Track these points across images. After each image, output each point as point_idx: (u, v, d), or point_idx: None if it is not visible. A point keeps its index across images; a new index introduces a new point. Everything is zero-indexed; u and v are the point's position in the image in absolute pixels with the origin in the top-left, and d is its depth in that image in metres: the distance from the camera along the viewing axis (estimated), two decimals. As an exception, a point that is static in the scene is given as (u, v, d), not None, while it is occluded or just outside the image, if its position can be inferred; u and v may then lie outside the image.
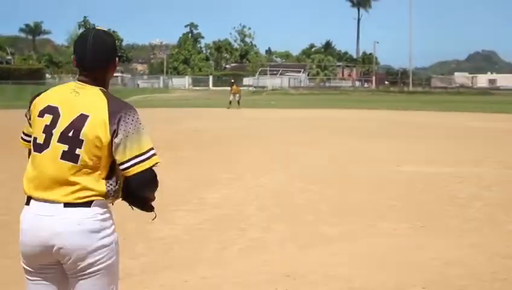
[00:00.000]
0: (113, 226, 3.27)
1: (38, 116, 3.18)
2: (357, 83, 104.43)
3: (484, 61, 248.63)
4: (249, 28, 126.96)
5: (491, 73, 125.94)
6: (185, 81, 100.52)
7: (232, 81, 48.54)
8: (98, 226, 3.15)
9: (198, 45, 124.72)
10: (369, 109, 42.36)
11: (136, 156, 3.11)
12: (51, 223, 3.09)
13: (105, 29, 3.38)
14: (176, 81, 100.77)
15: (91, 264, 3.12)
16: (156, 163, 3.19)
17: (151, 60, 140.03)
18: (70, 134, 3.09)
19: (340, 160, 15.38)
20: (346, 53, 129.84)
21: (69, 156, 3.08)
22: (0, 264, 6.83)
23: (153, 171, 3.20)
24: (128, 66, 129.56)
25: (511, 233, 8.10)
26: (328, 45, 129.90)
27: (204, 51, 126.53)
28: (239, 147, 18.34)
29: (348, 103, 51.93)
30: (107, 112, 3.10)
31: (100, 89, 3.23)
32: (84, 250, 3.10)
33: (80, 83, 3.23)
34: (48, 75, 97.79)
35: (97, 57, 3.21)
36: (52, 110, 3.15)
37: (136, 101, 59.94)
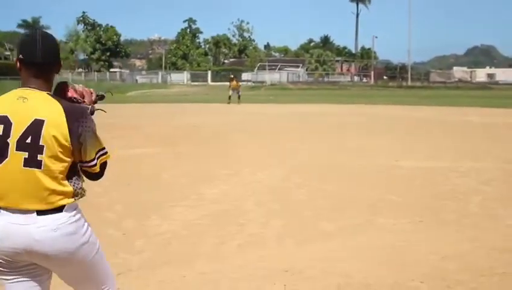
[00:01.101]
0: (85, 223, 3.35)
1: None
2: (356, 78, 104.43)
3: (483, 56, 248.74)
4: (247, 23, 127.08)
5: (490, 67, 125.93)
6: (184, 76, 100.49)
7: (232, 76, 47.80)
8: (73, 229, 3.22)
9: (197, 40, 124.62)
10: (368, 104, 42.33)
11: (96, 154, 3.27)
12: (27, 231, 3.10)
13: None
14: (175, 77, 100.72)
15: (77, 263, 3.27)
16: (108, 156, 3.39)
17: (150, 56, 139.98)
18: (29, 140, 3.06)
19: (339, 155, 15.38)
20: (345, 48, 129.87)
21: (32, 162, 3.07)
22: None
23: (106, 164, 3.40)
24: (126, 61, 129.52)
25: (510, 228, 8.10)
26: (326, 40, 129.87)
27: (202, 46, 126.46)
28: (237, 143, 18.34)
29: (347, 98, 51.92)
30: (63, 114, 3.11)
31: (48, 93, 3.23)
32: (66, 252, 3.19)
33: (25, 88, 3.24)
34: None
35: (48, 52, 3.24)
36: (2, 120, 3.10)
37: (134, 96, 59.92)
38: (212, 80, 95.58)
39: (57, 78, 3.48)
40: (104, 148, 3.34)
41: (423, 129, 23.14)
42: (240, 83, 46.06)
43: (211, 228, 8.05)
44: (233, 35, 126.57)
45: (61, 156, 3.12)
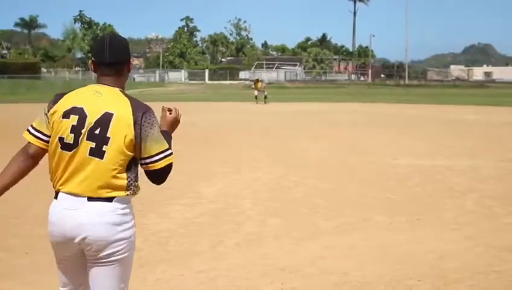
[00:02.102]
0: (133, 221, 3.49)
1: (63, 117, 3.35)
2: (353, 77, 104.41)
3: (480, 54, 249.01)
4: (245, 22, 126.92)
5: (487, 66, 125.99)
6: (181, 75, 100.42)
7: (256, 78, 47.13)
8: (118, 220, 3.37)
9: (194, 39, 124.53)
10: (365, 102, 42.35)
11: (158, 153, 3.38)
12: (75, 215, 3.32)
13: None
14: (172, 75, 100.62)
15: (110, 255, 3.36)
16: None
17: (147, 54, 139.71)
18: (97, 132, 3.30)
19: (336, 153, 15.39)
20: (342, 46, 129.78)
21: (96, 152, 3.29)
22: (-4, 258, 6.82)
23: (171, 167, 3.47)
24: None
25: (507, 226, 8.12)
26: (324, 38, 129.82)
27: (200, 45, 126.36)
28: (235, 141, 18.34)
29: (344, 96, 51.95)
30: (130, 110, 3.34)
31: (120, 90, 3.47)
32: (105, 241, 3.33)
33: (100, 85, 3.45)
34: (43, 69, 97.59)
35: (115, 53, 3.45)
36: (78, 111, 3.34)
37: (132, 95, 59.85)
38: (210, 79, 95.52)
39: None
40: (168, 149, 3.43)
41: (420, 127, 23.16)
42: (265, 84, 44.88)
43: (208, 226, 8.05)
44: (230, 34, 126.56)
45: (124, 148, 3.30)
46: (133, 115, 3.33)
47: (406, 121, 26.28)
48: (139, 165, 3.43)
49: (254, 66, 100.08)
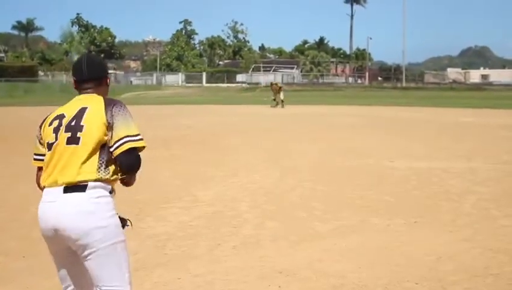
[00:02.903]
0: (111, 211, 3.60)
1: (48, 126, 3.72)
2: (350, 79, 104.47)
3: (477, 57, 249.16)
4: (242, 24, 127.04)
5: (484, 68, 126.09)
6: (178, 78, 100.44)
7: (272, 82, 46.30)
8: (92, 208, 3.49)
9: (192, 42, 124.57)
10: (363, 105, 42.39)
11: (126, 136, 3.58)
12: (53, 207, 3.54)
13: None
14: (169, 78, 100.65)
15: (90, 245, 3.48)
16: (143, 147, 3.67)
17: (144, 57, 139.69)
18: (73, 123, 3.60)
19: (333, 156, 15.39)
20: (340, 49, 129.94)
21: (72, 140, 3.56)
22: (-7, 261, 6.81)
23: (139, 153, 3.67)
24: (121, 63, 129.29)
25: (504, 228, 8.12)
26: (321, 41, 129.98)
27: (197, 48, 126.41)
28: (232, 144, 18.34)
29: (342, 99, 52.00)
30: (103, 103, 3.66)
31: (97, 94, 3.80)
32: (80, 230, 3.46)
33: (82, 94, 3.83)
34: (40, 72, 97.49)
35: (92, 70, 3.82)
36: (59, 116, 3.71)
37: (129, 98, 59.83)
38: (207, 82, 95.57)
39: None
40: (137, 135, 3.62)
41: (417, 130, 23.18)
42: (280, 87, 42.76)
43: (205, 229, 8.04)
44: (227, 37, 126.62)
45: (96, 132, 3.54)
46: (105, 106, 3.64)
47: (403, 124, 26.30)
48: (111, 153, 3.60)
49: (251, 69, 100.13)
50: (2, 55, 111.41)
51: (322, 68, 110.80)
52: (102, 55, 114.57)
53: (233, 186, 11.30)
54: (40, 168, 3.78)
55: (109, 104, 3.65)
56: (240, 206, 9.43)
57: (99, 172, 3.54)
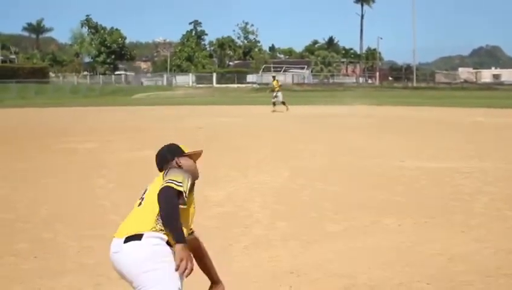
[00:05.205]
0: (159, 256, 3.82)
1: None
2: (361, 79, 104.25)
3: (488, 57, 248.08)
4: (252, 25, 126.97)
5: (495, 68, 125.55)
6: (189, 78, 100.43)
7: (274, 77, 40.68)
8: (144, 255, 3.82)
9: (202, 42, 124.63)
10: (373, 105, 42.27)
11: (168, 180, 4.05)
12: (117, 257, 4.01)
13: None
14: (180, 79, 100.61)
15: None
16: (179, 191, 3.99)
17: (155, 58, 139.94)
18: (144, 193, 4.23)
19: (344, 156, 15.36)
20: (350, 49, 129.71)
21: (141, 203, 4.19)
22: (5, 261, 6.84)
23: (171, 194, 3.92)
24: (132, 64, 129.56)
25: (516, 228, 8.08)
26: (331, 41, 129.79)
27: (207, 48, 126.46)
28: (242, 144, 18.33)
29: (352, 99, 51.84)
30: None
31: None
32: (130, 275, 3.84)
33: None
34: (51, 74, 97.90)
35: (157, 161, 4.47)
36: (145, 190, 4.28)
37: (139, 99, 59.96)
38: (217, 82, 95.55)
39: None
40: (176, 181, 3.93)
41: (428, 130, 23.11)
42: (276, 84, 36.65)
43: (216, 230, 8.04)
44: (238, 38, 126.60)
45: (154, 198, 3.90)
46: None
47: (413, 124, 26.21)
48: None
49: (262, 70, 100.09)
50: (13, 56, 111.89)
51: (333, 68, 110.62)
52: (113, 57, 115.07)
53: (243, 186, 11.29)
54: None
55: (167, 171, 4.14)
56: (250, 207, 9.42)
57: (154, 228, 3.90)
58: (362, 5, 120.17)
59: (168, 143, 4.58)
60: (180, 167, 4.26)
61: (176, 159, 4.34)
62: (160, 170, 4.33)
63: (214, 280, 4.79)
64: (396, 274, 6.10)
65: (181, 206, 3.89)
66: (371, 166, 13.56)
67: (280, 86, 37.60)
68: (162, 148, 4.49)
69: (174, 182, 3.88)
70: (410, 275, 6.08)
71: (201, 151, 4.51)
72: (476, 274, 6.09)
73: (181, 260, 3.70)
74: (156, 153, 4.49)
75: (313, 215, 8.84)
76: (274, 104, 35.66)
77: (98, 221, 8.44)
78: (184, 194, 3.93)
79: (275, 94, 36.11)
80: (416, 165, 13.51)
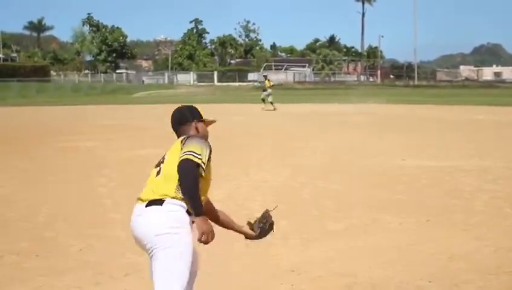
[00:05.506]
0: (176, 223, 3.98)
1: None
2: (362, 77, 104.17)
3: (489, 55, 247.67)
4: (253, 24, 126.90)
5: (497, 66, 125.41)
6: (190, 77, 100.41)
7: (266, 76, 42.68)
8: (156, 219, 3.97)
9: (203, 41, 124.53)
10: (374, 103, 42.23)
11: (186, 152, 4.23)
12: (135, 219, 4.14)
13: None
14: (181, 77, 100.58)
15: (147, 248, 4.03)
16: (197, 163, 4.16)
17: (156, 56, 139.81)
18: (162, 159, 4.35)
19: (345, 154, 15.36)
20: (352, 47, 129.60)
21: (159, 172, 4.26)
22: (6, 260, 6.85)
23: (191, 165, 4.06)
24: (133, 62, 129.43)
25: (517, 226, 8.08)
26: (332, 40, 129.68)
27: (209, 47, 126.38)
28: (243, 143, 18.33)
29: (353, 97, 51.81)
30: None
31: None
32: (143, 238, 4.02)
33: None
34: (52, 72, 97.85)
35: (172, 122, 4.61)
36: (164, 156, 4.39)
37: (141, 97, 59.98)
38: (219, 81, 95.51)
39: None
40: (195, 152, 4.05)
41: (429, 128, 23.10)
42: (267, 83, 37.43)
43: (217, 228, 8.01)
44: (239, 36, 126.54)
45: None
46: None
47: (414, 122, 26.21)
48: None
49: (263, 68, 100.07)
50: (15, 55, 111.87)
51: (334, 66, 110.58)
52: (114, 55, 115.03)
53: (244, 185, 11.30)
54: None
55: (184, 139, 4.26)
56: (251, 205, 9.42)
57: (175, 197, 4.06)
58: (363, 3, 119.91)
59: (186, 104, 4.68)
60: (197, 131, 4.42)
61: (195, 121, 4.47)
62: (176, 131, 4.47)
63: (241, 230, 5.01)
64: (398, 273, 6.11)
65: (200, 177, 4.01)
66: (371, 165, 13.56)
67: (272, 85, 38.34)
68: (181, 107, 4.59)
69: (193, 153, 4.00)
70: (411, 273, 6.08)
71: (216, 120, 4.73)
72: (477, 273, 6.10)
73: (202, 233, 3.99)
74: (173, 112, 4.55)
75: (314, 214, 8.85)
76: (264, 100, 36.32)
77: (99, 220, 8.45)
78: (202, 165, 4.06)
79: (266, 93, 36.53)
80: (417, 164, 13.51)
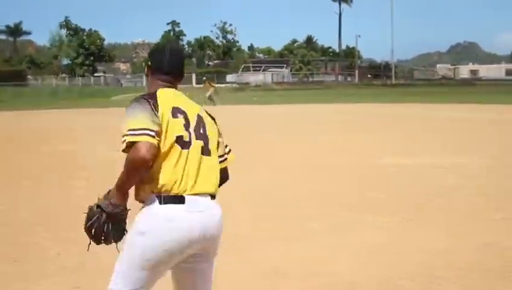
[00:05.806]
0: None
1: (172, 116, 3.43)
2: (340, 77, 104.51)
3: (465, 53, 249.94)
4: (230, 25, 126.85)
5: (473, 64, 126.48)
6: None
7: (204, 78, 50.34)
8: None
9: (181, 43, 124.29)
10: (352, 102, 42.39)
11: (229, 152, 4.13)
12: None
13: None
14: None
15: (216, 249, 4.15)
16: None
17: (134, 59, 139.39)
18: (201, 131, 3.57)
19: (324, 154, 15.39)
20: (329, 48, 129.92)
21: (206, 151, 3.56)
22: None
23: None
24: (111, 65, 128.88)
25: (496, 222, 8.13)
26: (309, 40, 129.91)
27: (186, 49, 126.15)
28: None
29: (332, 97, 52.00)
30: (209, 116, 3.86)
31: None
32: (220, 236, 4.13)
33: (171, 88, 3.70)
34: (29, 77, 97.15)
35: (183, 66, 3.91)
36: (181, 112, 3.49)
37: (119, 100, 59.67)
38: (197, 83, 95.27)
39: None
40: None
41: (407, 126, 23.23)
42: (209, 85, 46.33)
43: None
44: (216, 37, 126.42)
45: (217, 148, 3.75)
46: (214, 119, 3.89)
47: (392, 121, 26.35)
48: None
49: (241, 69, 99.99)
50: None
51: (312, 67, 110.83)
52: (91, 58, 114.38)
53: (226, 187, 11.21)
54: (150, 146, 3.38)
55: (213, 117, 3.88)
56: (233, 207, 9.36)
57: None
58: (340, 4, 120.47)
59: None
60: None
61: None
62: (178, 80, 3.77)
63: None
64: (378, 271, 6.11)
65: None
66: (350, 163, 13.59)
67: (213, 86, 45.85)
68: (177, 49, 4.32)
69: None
70: (392, 272, 6.08)
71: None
72: (458, 270, 6.11)
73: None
74: (179, 49, 4.32)
75: (295, 214, 8.82)
76: (211, 99, 41.73)
77: (78, 223, 8.35)
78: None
79: (209, 93, 42.93)
80: (396, 162, 13.56)
